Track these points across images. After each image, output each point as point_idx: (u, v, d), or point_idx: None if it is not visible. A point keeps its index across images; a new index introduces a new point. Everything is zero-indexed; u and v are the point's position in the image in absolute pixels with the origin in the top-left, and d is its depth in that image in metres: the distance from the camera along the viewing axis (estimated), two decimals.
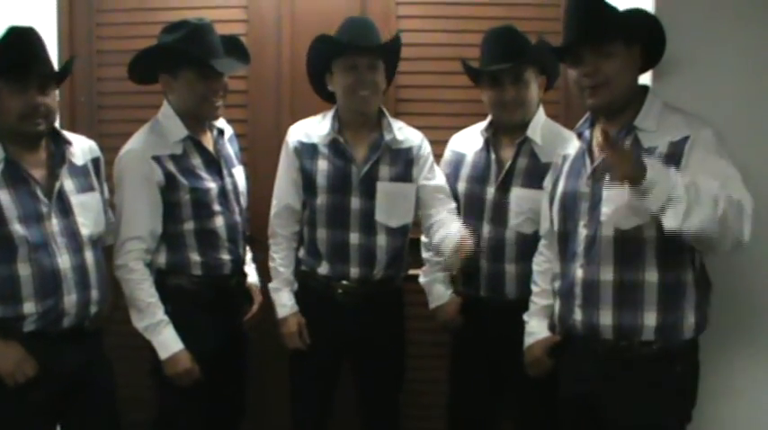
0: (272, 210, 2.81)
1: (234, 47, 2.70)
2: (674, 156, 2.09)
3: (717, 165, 2.04)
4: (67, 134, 2.53)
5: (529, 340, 2.46)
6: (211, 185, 2.65)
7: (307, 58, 2.77)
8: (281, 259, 2.79)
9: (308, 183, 2.74)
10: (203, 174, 2.65)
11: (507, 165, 2.67)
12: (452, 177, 2.81)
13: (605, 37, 2.15)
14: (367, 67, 2.65)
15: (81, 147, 2.54)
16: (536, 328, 2.45)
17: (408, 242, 2.83)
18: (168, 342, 2.55)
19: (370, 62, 2.66)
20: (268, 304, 2.84)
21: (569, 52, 2.23)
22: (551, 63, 2.63)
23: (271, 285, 2.82)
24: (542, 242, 2.51)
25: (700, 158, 2.06)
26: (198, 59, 2.54)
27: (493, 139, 2.74)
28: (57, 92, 2.45)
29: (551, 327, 2.41)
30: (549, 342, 2.40)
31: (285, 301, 2.78)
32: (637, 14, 2.22)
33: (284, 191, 2.79)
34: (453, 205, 2.78)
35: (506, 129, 2.72)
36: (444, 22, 3.15)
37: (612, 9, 2.21)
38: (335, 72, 2.70)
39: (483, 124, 2.79)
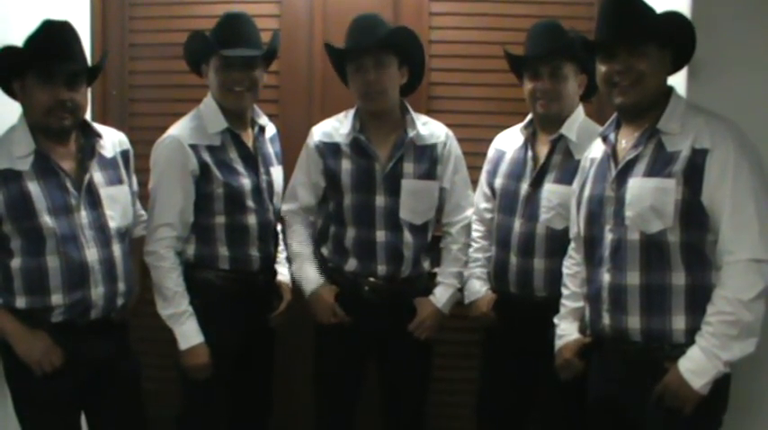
0: (286, 206, 2.82)
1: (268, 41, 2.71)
2: (696, 168, 2.07)
3: (731, 200, 2.04)
4: (97, 126, 2.53)
5: (559, 343, 2.44)
6: (246, 181, 2.65)
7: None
8: (298, 243, 2.79)
9: (332, 182, 2.73)
10: (239, 168, 2.65)
11: (542, 161, 2.66)
12: (492, 174, 2.80)
13: (641, 37, 2.14)
14: (373, 66, 2.63)
15: (111, 140, 2.55)
16: (566, 331, 2.43)
17: (432, 238, 2.82)
18: (189, 333, 2.57)
19: (375, 60, 2.63)
20: (296, 302, 2.83)
21: (602, 47, 2.21)
22: (592, 62, 2.61)
23: (293, 267, 2.80)
24: (571, 245, 2.48)
25: (715, 180, 2.05)
26: (212, 49, 2.57)
27: (531, 137, 2.72)
28: (86, 87, 2.44)
29: (582, 330, 2.39)
30: (578, 344, 2.38)
31: (310, 275, 2.76)
32: (673, 18, 2.20)
33: (304, 190, 2.79)
34: (470, 213, 2.83)
35: (544, 126, 2.69)
36: (478, 19, 3.12)
37: (649, 9, 2.20)
38: (348, 75, 2.71)
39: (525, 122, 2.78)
